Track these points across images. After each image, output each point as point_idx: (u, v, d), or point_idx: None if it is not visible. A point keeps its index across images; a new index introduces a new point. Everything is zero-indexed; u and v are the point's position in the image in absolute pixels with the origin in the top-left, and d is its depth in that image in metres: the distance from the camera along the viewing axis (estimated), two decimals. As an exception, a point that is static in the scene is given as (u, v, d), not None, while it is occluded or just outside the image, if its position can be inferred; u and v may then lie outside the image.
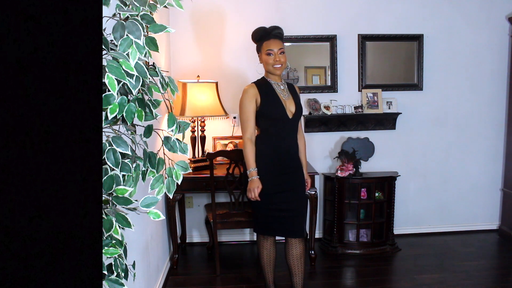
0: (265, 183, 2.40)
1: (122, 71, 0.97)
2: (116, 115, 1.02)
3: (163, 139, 1.17)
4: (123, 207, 1.08)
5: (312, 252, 3.21)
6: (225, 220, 3.03)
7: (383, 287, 2.85)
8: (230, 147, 3.50)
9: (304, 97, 3.62)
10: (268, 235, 2.54)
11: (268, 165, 2.43)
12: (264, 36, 2.43)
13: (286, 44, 3.59)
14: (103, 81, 0.94)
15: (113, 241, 1.07)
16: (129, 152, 1.05)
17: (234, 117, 3.58)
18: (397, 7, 3.64)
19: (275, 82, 2.48)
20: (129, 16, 1.03)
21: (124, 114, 1.03)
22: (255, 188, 2.37)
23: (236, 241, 3.76)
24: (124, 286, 1.10)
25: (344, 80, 3.67)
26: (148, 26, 1.05)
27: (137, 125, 1.19)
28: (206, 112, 3.14)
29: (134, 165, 1.11)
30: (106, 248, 1.06)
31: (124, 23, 1.00)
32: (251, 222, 3.04)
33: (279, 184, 2.43)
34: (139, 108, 1.08)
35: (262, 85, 2.46)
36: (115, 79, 0.97)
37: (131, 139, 1.14)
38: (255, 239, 3.71)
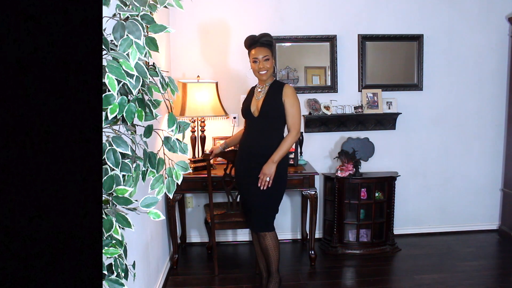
0: (235, 176, 2.72)
1: (122, 71, 0.97)
2: (116, 115, 1.02)
3: (163, 139, 1.17)
4: (123, 207, 1.08)
5: (312, 252, 3.21)
6: (223, 221, 3.03)
7: (383, 287, 2.85)
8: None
9: (304, 97, 3.62)
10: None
11: (238, 159, 2.66)
12: (252, 44, 2.58)
13: (286, 44, 3.59)
14: (103, 81, 0.94)
15: (113, 241, 1.07)
16: (129, 152, 1.05)
17: (234, 117, 3.58)
18: (397, 7, 3.64)
19: (257, 85, 2.66)
20: (129, 16, 1.03)
21: (124, 114, 1.03)
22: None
23: (236, 241, 3.76)
24: (124, 286, 1.10)
25: (344, 80, 3.67)
26: (148, 26, 1.05)
27: (137, 125, 1.19)
28: (206, 112, 3.14)
29: (134, 165, 1.11)
30: (106, 248, 1.06)
31: (124, 23, 1.00)
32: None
33: (242, 178, 2.63)
34: (139, 108, 1.08)
35: (252, 88, 2.70)
36: (115, 79, 0.97)
37: (131, 139, 1.14)
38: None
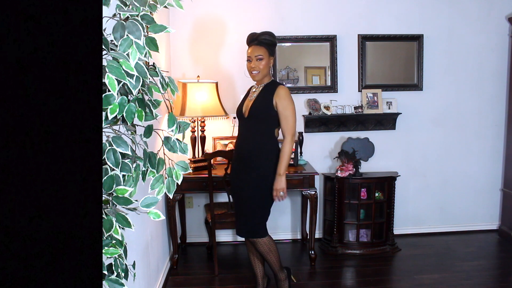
0: (229, 177, 2.64)
1: (122, 71, 0.97)
2: (116, 115, 1.02)
3: (163, 139, 1.17)
4: (123, 207, 1.08)
5: (312, 252, 3.21)
6: (223, 220, 3.03)
7: (383, 287, 2.85)
8: (230, 147, 3.50)
9: (304, 97, 3.62)
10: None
11: (232, 160, 2.62)
12: (249, 42, 2.51)
13: (286, 44, 3.59)
14: (103, 81, 0.94)
15: (113, 241, 1.07)
16: (129, 152, 1.05)
17: (234, 117, 3.58)
18: (397, 7, 3.64)
19: (255, 85, 2.57)
20: (129, 16, 1.03)
21: (124, 114, 1.03)
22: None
23: (236, 241, 3.76)
24: (124, 286, 1.10)
25: (344, 80, 3.67)
26: (148, 26, 1.05)
27: (137, 125, 1.19)
28: (206, 112, 3.14)
29: (134, 165, 1.11)
30: (106, 248, 1.06)
31: (124, 23, 1.00)
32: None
33: (233, 181, 2.57)
34: (139, 108, 1.08)
35: (250, 88, 2.63)
36: (115, 79, 0.97)
37: (131, 139, 1.14)
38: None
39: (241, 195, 2.48)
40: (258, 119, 2.43)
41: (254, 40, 2.47)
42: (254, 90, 2.55)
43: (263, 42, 2.44)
